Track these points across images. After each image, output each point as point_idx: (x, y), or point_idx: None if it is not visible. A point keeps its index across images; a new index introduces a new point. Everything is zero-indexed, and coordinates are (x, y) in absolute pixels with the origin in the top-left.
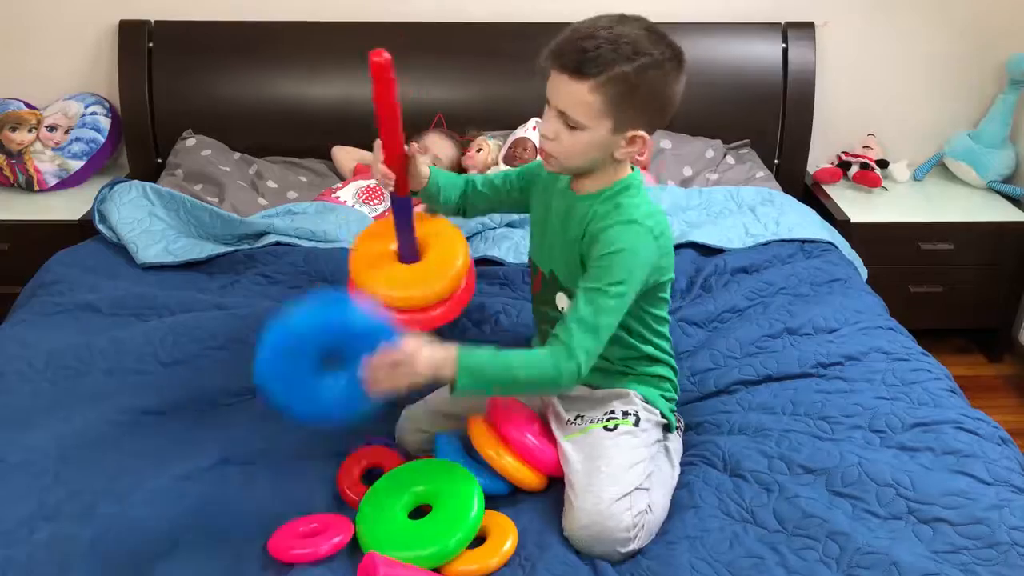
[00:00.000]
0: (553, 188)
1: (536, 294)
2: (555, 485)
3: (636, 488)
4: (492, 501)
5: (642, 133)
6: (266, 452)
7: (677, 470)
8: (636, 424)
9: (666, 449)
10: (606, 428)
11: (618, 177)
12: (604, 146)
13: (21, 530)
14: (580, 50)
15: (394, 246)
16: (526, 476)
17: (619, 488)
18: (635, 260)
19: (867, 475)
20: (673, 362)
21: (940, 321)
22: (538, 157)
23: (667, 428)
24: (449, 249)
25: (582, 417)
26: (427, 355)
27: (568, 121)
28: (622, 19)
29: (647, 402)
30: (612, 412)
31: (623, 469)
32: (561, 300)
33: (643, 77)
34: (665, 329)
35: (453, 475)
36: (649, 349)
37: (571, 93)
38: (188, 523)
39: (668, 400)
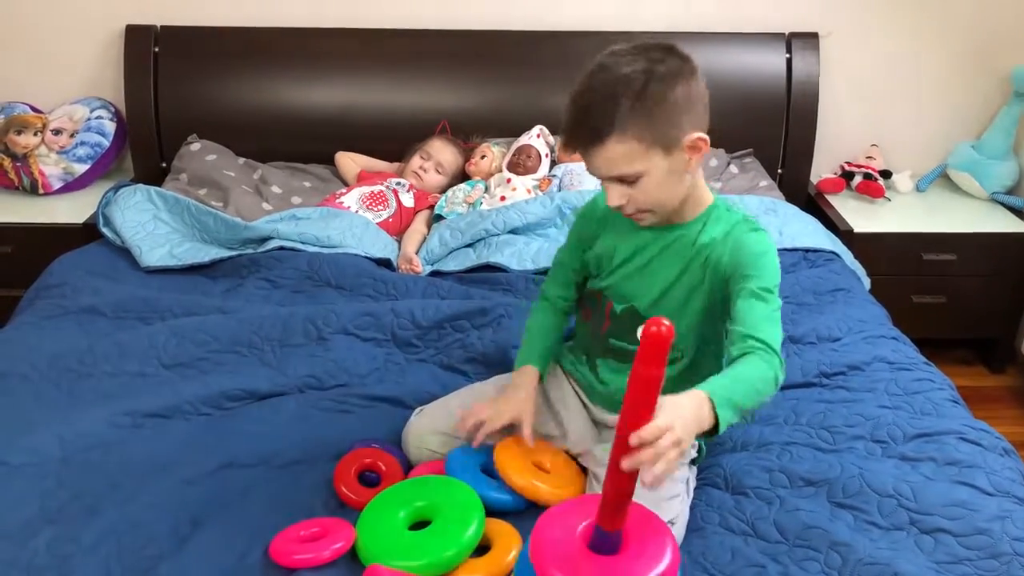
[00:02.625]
0: (627, 232)
1: (604, 330)
2: None
3: (667, 522)
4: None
5: (695, 134)
6: (268, 456)
7: (690, 501)
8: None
9: (686, 482)
10: None
11: (708, 200)
12: (672, 170)
13: (23, 533)
14: (580, 122)
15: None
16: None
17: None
18: (776, 263)
19: (869, 486)
20: None
21: (942, 331)
22: (549, 185)
23: (693, 461)
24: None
25: None
26: (681, 416)
27: (627, 180)
28: (596, 68)
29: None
30: None
31: (663, 499)
32: None
33: (647, 95)
34: None
35: (455, 490)
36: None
37: (607, 159)
38: (190, 527)
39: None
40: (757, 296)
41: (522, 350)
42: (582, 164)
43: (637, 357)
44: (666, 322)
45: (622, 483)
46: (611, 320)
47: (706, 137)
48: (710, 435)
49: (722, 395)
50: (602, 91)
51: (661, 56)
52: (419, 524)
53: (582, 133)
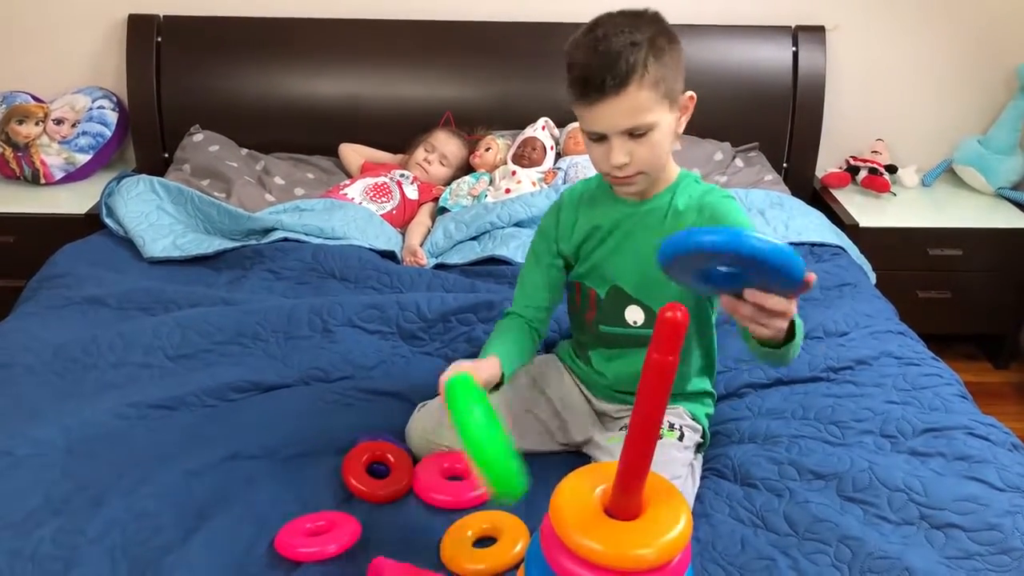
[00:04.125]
0: (597, 209)
1: (592, 318)
2: None
3: None
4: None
5: (689, 92)
6: (273, 448)
7: (697, 487)
8: (680, 439)
9: (691, 467)
10: None
11: (675, 170)
12: (671, 129)
13: (28, 523)
14: (602, 67)
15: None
16: None
17: None
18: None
19: (878, 480)
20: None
21: (947, 327)
22: (554, 177)
23: (699, 447)
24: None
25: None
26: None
27: (637, 133)
28: (601, 23)
29: (693, 419)
30: None
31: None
32: (634, 313)
33: (661, 45)
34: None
35: None
36: (711, 356)
37: (625, 108)
38: (196, 518)
39: (708, 416)
40: None
41: (485, 345)
42: (587, 156)
43: (652, 343)
44: (682, 308)
45: (635, 478)
46: (597, 307)
47: (695, 96)
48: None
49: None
50: (621, 38)
51: (656, 15)
52: None
53: (603, 79)
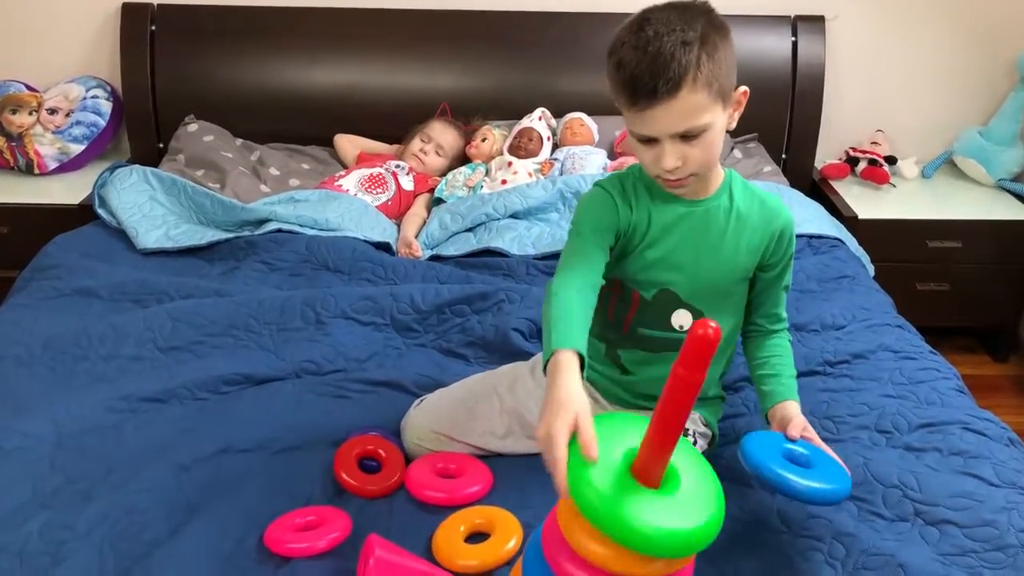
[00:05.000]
0: (651, 203)
1: (630, 320)
2: None
3: None
4: (502, 495)
5: (742, 88)
6: (265, 442)
7: None
8: (692, 445)
9: None
10: None
11: (723, 171)
12: (724, 127)
13: (15, 518)
14: (652, 71)
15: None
16: None
17: None
18: None
19: (873, 476)
20: None
21: (946, 319)
22: (550, 168)
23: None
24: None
25: None
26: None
27: (690, 136)
28: (646, 19)
29: (707, 425)
30: None
31: None
32: (681, 318)
33: (713, 42)
34: None
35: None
36: (730, 363)
37: (679, 111)
38: (186, 513)
39: (718, 420)
40: (788, 290)
41: (552, 333)
42: (584, 148)
43: (680, 360)
44: (713, 324)
45: (656, 466)
46: (639, 309)
47: (747, 91)
48: None
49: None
50: (673, 37)
51: (706, 5)
52: None
53: (654, 84)
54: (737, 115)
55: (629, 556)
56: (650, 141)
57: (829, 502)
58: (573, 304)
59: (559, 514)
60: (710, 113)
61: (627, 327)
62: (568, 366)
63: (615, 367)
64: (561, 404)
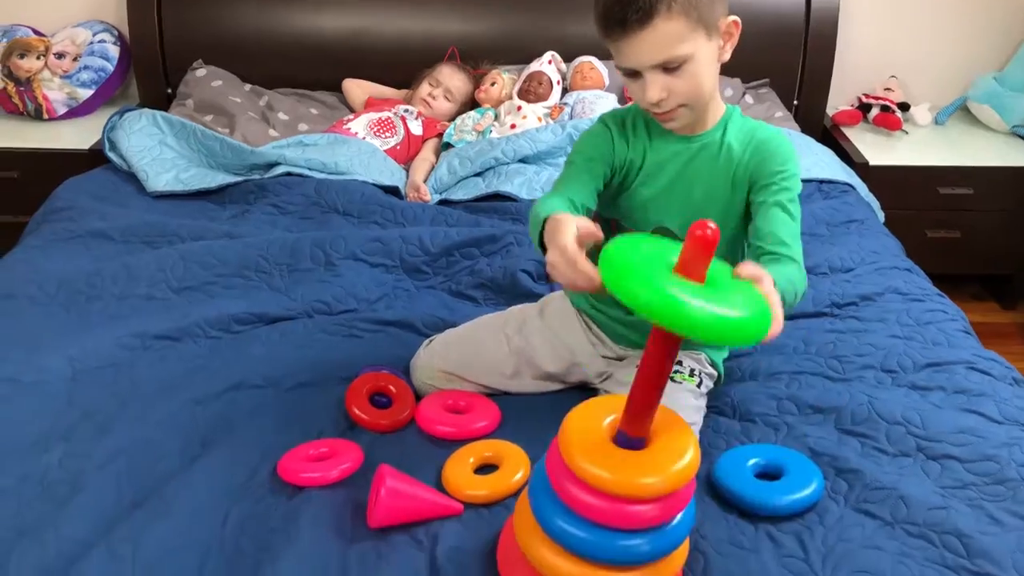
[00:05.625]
0: (647, 139)
1: None
2: None
3: None
4: (509, 430)
5: (730, 17)
6: (276, 378)
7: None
8: (699, 386)
9: (701, 411)
10: (671, 379)
11: (723, 105)
12: (713, 57)
13: (35, 448)
14: (627, 1)
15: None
16: None
17: None
18: (798, 166)
19: (877, 413)
20: None
21: (956, 267)
22: (560, 113)
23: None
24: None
25: None
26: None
27: (671, 67)
28: None
29: (712, 364)
30: (680, 363)
31: None
32: None
33: None
34: None
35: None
36: None
37: (654, 42)
38: (200, 446)
39: (723, 360)
40: (784, 209)
41: (538, 215)
42: (594, 92)
43: (680, 262)
44: (712, 224)
45: (649, 393)
46: None
47: (739, 21)
48: None
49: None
50: None
51: None
52: None
53: (624, 14)
54: (729, 47)
55: (625, 478)
56: (634, 74)
57: (807, 508)
58: (555, 204)
59: (560, 438)
60: (690, 43)
61: None
62: (558, 219)
63: (619, 307)
64: (558, 225)
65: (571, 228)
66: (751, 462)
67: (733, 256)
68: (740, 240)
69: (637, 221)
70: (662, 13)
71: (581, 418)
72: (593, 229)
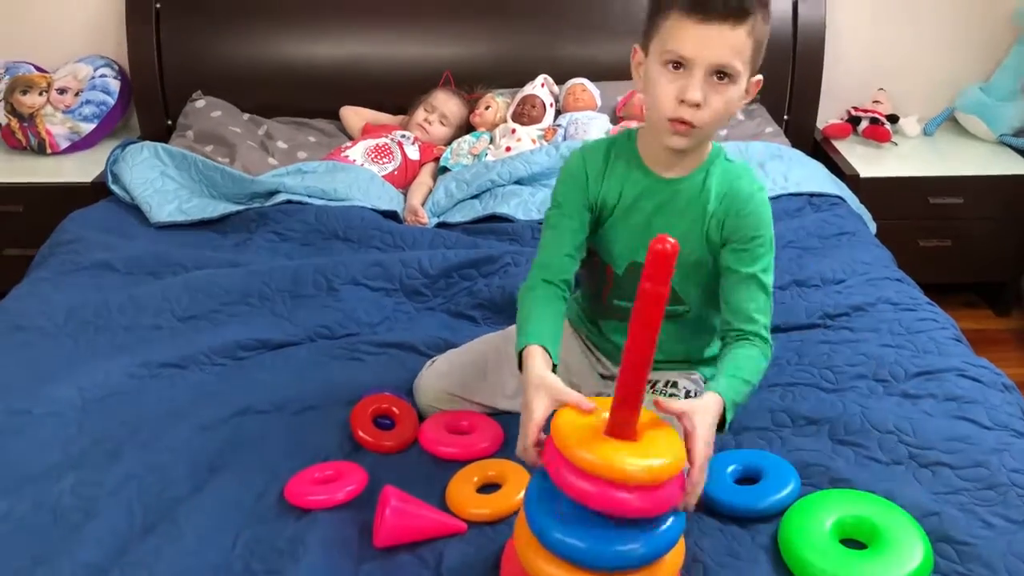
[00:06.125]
0: (625, 171)
1: (607, 293)
2: None
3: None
4: (512, 449)
5: (759, 76)
6: (282, 403)
7: None
8: None
9: None
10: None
11: (709, 150)
12: (738, 102)
13: (48, 477)
14: None
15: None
16: None
17: None
18: (772, 230)
19: (869, 423)
20: None
21: (948, 275)
22: (554, 135)
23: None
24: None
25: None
26: (710, 428)
27: (723, 74)
28: None
29: (705, 382)
30: (675, 386)
31: None
32: None
33: (767, 10)
34: None
35: (891, 511)
36: None
37: (732, 43)
38: (208, 471)
39: None
40: (759, 283)
41: (524, 329)
42: (587, 113)
43: (644, 274)
44: (671, 239)
45: (631, 400)
46: (613, 283)
47: (762, 80)
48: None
49: (731, 398)
50: None
51: None
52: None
53: (728, 2)
54: (746, 102)
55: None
56: (680, 67)
57: (786, 506)
58: (541, 303)
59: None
60: (745, 68)
61: (605, 299)
62: (531, 357)
63: (600, 337)
64: (529, 399)
65: (539, 410)
66: (729, 469)
67: (710, 300)
68: (713, 287)
69: (613, 256)
70: (749, 24)
71: (571, 413)
72: (577, 401)
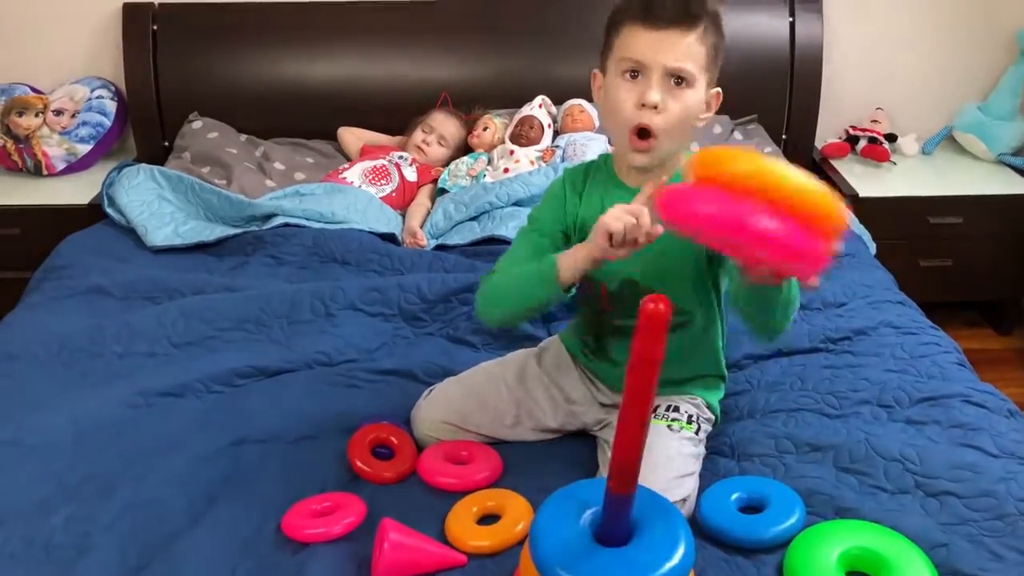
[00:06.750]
0: (603, 193)
1: (606, 313)
2: (581, 469)
3: (680, 500)
4: (512, 479)
5: (717, 88)
6: (279, 432)
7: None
8: (696, 432)
9: (699, 458)
10: (669, 427)
11: (681, 160)
12: (698, 111)
13: (40, 511)
14: None
15: None
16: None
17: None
18: None
19: (874, 450)
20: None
21: (950, 295)
22: (552, 156)
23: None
24: None
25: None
26: None
27: (680, 79)
28: None
29: (708, 407)
30: (677, 410)
31: (677, 478)
32: None
33: (720, 20)
34: None
35: (897, 541)
36: (725, 337)
37: (684, 46)
38: (205, 503)
39: (720, 401)
40: None
41: (528, 267)
42: (585, 134)
43: (636, 338)
44: (664, 300)
45: (632, 448)
46: (609, 302)
47: (721, 94)
48: None
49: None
50: None
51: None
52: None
53: (677, 7)
54: (708, 115)
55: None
56: (635, 75)
57: (791, 536)
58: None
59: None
60: (700, 71)
61: (605, 319)
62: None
63: (606, 360)
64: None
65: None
66: (733, 496)
67: (712, 306)
68: (705, 275)
69: (605, 273)
70: (700, 28)
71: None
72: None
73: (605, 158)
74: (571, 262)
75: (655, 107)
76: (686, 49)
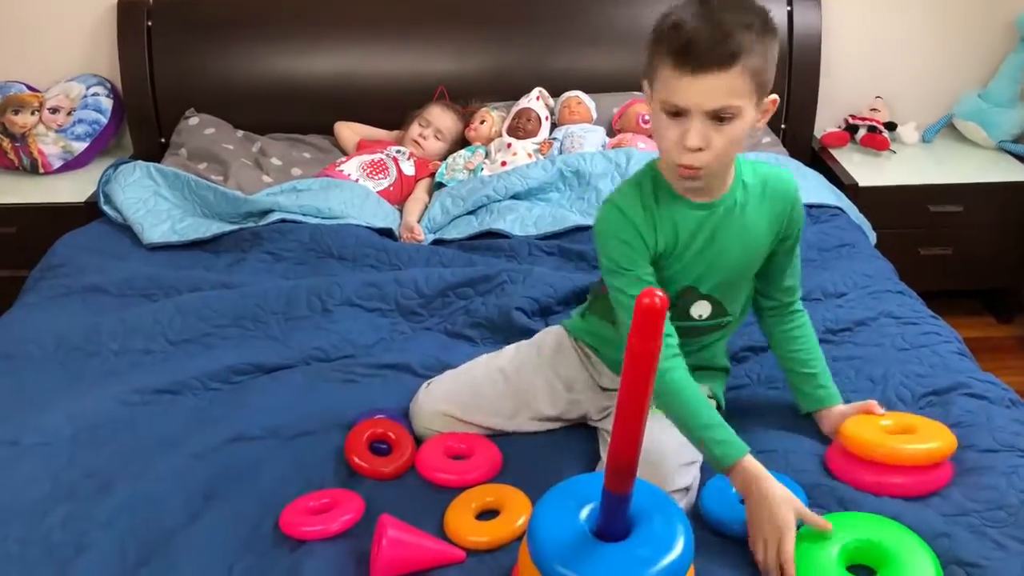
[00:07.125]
0: (669, 214)
1: None
2: (581, 463)
3: (683, 488)
4: (511, 473)
5: (773, 95)
6: (276, 428)
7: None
8: None
9: None
10: None
11: (734, 166)
12: (750, 126)
13: (37, 510)
14: (715, 39)
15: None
16: None
17: (671, 486)
18: None
19: None
20: None
21: (950, 283)
22: (549, 148)
23: None
24: None
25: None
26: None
27: (722, 117)
28: None
29: (713, 396)
30: None
31: (681, 465)
32: (700, 308)
33: (768, 33)
34: None
35: (899, 533)
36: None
37: (723, 87)
38: (202, 500)
39: (723, 392)
40: (797, 256)
41: (715, 435)
42: (582, 126)
43: (633, 330)
44: (659, 293)
45: (629, 447)
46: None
47: (777, 99)
48: None
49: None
50: (735, 16)
51: (763, 7)
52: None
53: (712, 52)
54: (762, 123)
55: None
56: (678, 116)
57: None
58: (694, 388)
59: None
60: (746, 101)
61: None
62: (757, 470)
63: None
64: (783, 513)
65: (792, 522)
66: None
67: (749, 297)
68: (750, 291)
69: (666, 282)
70: (741, 64)
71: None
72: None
73: (652, 174)
74: (752, 475)
75: (696, 148)
76: (727, 89)
